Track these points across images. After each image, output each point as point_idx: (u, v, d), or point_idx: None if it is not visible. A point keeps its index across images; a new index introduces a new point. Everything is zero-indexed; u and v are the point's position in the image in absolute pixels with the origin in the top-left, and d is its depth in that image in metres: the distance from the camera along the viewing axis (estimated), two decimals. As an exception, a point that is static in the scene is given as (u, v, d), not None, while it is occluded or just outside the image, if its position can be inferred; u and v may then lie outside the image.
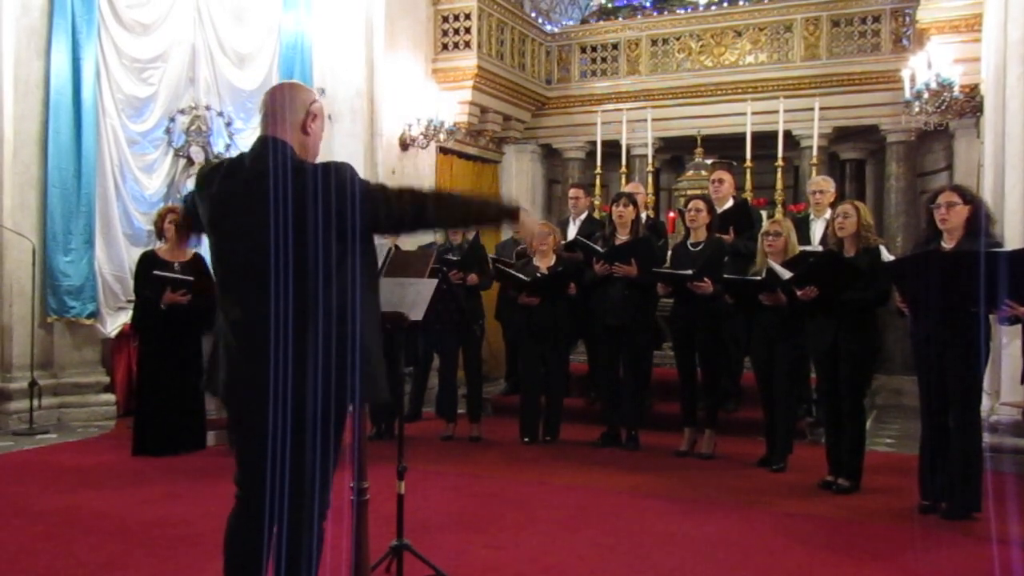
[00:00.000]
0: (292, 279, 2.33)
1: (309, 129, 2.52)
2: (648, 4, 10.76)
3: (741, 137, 7.98)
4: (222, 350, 2.46)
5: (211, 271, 2.72)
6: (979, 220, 4.23)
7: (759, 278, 5.25)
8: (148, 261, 5.76)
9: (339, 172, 2.39)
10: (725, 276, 5.51)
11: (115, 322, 7.07)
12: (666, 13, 10.05)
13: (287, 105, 2.49)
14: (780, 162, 7.89)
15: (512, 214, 2.63)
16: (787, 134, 8.10)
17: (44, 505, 4.50)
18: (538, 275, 6.17)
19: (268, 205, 2.33)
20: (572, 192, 7.49)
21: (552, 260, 6.27)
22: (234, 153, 7.70)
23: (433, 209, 2.54)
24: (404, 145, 8.25)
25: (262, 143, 2.49)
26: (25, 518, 4.28)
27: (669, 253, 6.15)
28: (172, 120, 7.42)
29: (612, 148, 8.91)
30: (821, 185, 6.62)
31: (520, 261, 6.58)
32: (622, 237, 6.01)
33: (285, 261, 2.33)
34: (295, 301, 2.33)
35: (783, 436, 5.48)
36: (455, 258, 6.24)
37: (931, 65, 6.58)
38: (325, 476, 2.47)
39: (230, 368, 2.43)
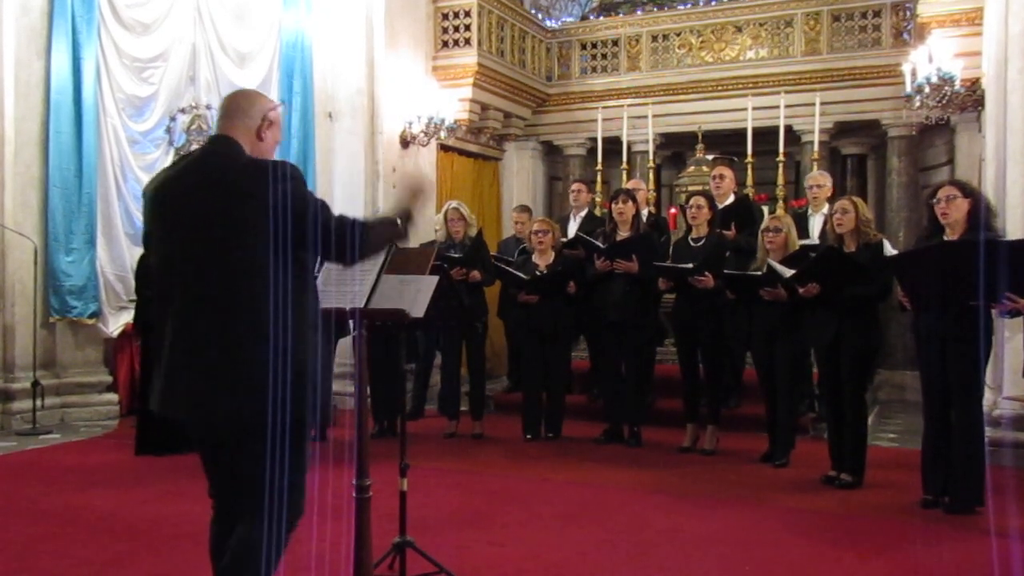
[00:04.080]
0: (235, 280, 2.31)
1: (263, 135, 2.53)
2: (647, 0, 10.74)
3: (742, 133, 7.98)
4: (166, 360, 2.37)
5: None
6: (980, 214, 4.23)
7: (759, 274, 5.25)
8: (148, 261, 5.77)
9: (284, 170, 2.36)
10: (725, 272, 5.51)
11: (117, 322, 7.08)
12: (666, 9, 10.03)
13: (245, 109, 2.52)
14: (781, 157, 7.88)
15: (404, 218, 2.67)
16: (788, 129, 8.09)
17: (47, 505, 4.51)
18: (537, 273, 6.18)
19: (215, 201, 2.33)
20: (575, 186, 7.53)
21: (551, 257, 6.27)
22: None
23: (366, 233, 2.49)
24: (405, 143, 8.25)
25: (217, 141, 2.51)
26: (28, 518, 4.29)
27: (670, 249, 6.15)
28: (173, 119, 7.42)
29: (613, 145, 8.90)
30: (818, 180, 6.64)
31: (520, 258, 6.58)
32: (623, 233, 6.01)
33: (227, 261, 2.31)
34: (237, 304, 2.30)
35: (784, 431, 5.48)
36: (457, 255, 6.23)
37: (932, 59, 6.56)
38: (284, 483, 2.36)
39: (173, 379, 2.36)
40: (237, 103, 2.55)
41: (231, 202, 2.33)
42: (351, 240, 2.44)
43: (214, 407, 2.29)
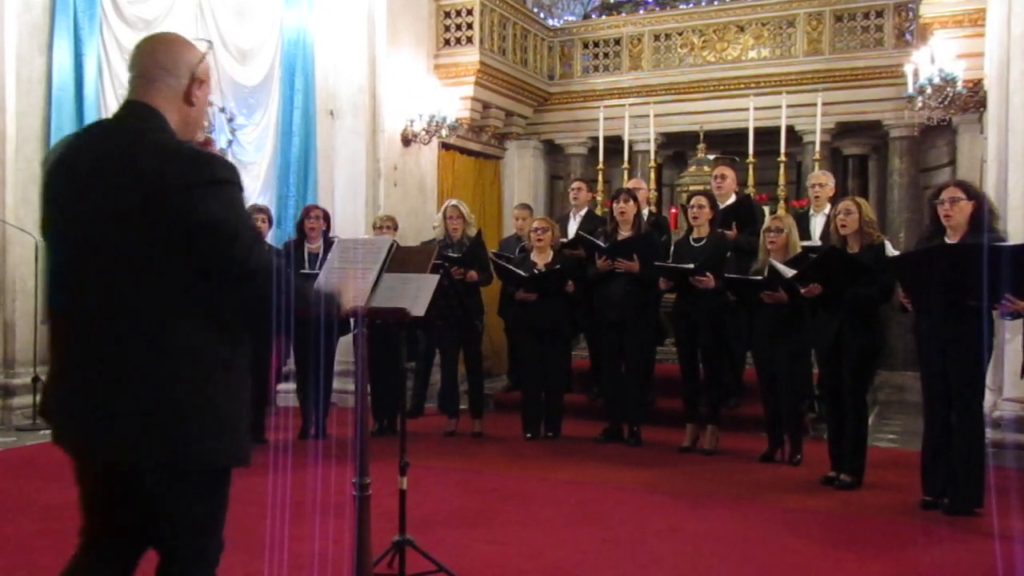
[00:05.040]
0: (146, 302, 1.85)
1: (194, 97, 2.00)
2: (650, 0, 10.74)
3: (743, 132, 7.97)
4: (67, 382, 1.95)
5: None
6: (983, 216, 4.22)
7: (761, 278, 5.25)
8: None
9: (225, 172, 1.90)
10: (727, 276, 5.51)
11: (117, 318, 7.08)
12: (668, 8, 10.04)
13: (168, 66, 1.96)
14: (783, 158, 7.88)
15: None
16: (790, 129, 8.09)
17: (48, 500, 4.50)
18: (535, 271, 6.18)
19: (128, 196, 1.82)
20: (575, 185, 7.52)
21: (549, 256, 6.27)
22: (237, 150, 7.74)
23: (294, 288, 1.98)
24: (406, 141, 8.24)
25: (131, 111, 1.96)
26: (29, 513, 4.29)
27: (672, 249, 6.15)
28: (174, 116, 7.42)
29: (614, 144, 8.90)
30: (820, 179, 6.63)
31: (518, 257, 6.58)
32: (624, 233, 6.01)
33: (137, 278, 1.84)
34: (148, 332, 1.84)
35: (792, 430, 5.52)
36: (455, 255, 6.23)
37: (934, 60, 6.56)
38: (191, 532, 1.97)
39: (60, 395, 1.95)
40: (156, 59, 1.96)
41: (151, 200, 1.82)
42: (283, 299, 1.92)
43: (120, 448, 1.86)
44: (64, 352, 1.94)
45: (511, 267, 6.32)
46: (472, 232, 6.51)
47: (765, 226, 5.49)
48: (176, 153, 1.88)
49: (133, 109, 1.95)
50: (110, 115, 2.13)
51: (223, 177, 1.88)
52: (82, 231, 1.88)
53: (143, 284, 1.84)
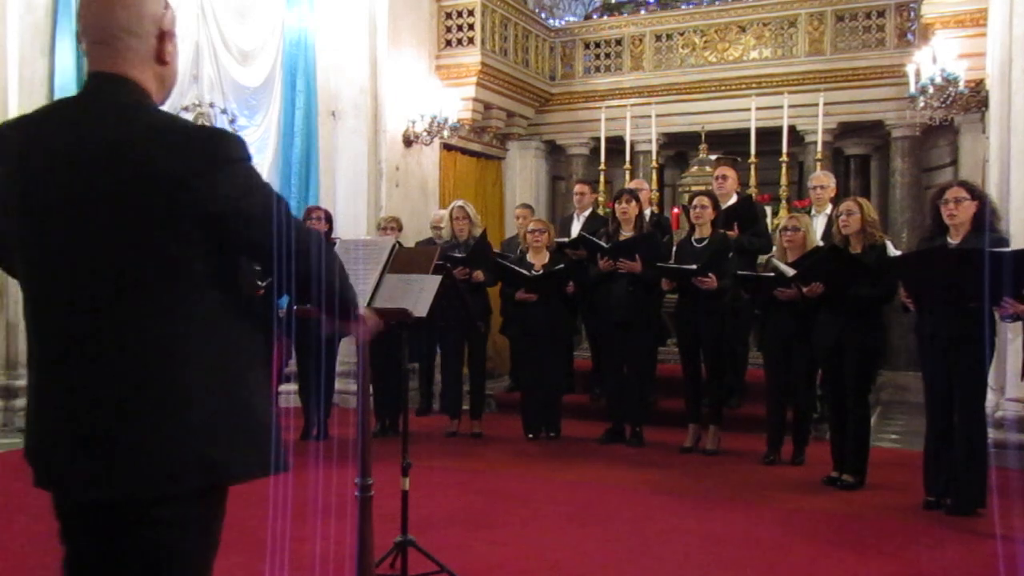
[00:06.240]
0: (145, 312, 1.56)
1: (165, 55, 1.69)
2: (651, 0, 10.74)
3: (745, 133, 7.98)
4: (33, 395, 1.69)
5: None
6: (985, 216, 4.23)
7: (771, 274, 5.25)
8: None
9: (229, 146, 1.61)
10: (738, 273, 5.51)
11: (120, 319, 7.07)
12: (670, 8, 10.04)
13: (129, 25, 1.62)
14: (784, 158, 7.88)
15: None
16: (791, 129, 8.09)
17: (50, 502, 4.50)
18: (534, 272, 6.18)
19: (115, 189, 1.53)
20: (578, 187, 7.52)
21: (546, 257, 6.28)
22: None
23: (346, 283, 1.79)
24: (408, 142, 8.25)
25: (103, 87, 1.62)
26: (31, 514, 4.28)
27: (674, 249, 6.15)
28: (176, 117, 7.44)
29: (616, 144, 8.90)
30: (821, 180, 6.63)
31: (515, 257, 6.58)
32: (626, 233, 6.01)
33: (134, 283, 1.56)
34: (147, 348, 1.56)
35: (801, 432, 5.52)
36: (461, 255, 6.24)
37: (936, 60, 6.56)
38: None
39: (43, 422, 1.69)
40: (115, 20, 1.61)
41: (143, 192, 1.53)
42: (335, 278, 1.73)
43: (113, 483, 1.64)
44: (58, 393, 1.62)
45: (515, 267, 6.32)
46: (478, 232, 6.51)
47: (782, 225, 5.50)
48: (177, 133, 1.58)
49: (104, 83, 1.62)
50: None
51: (236, 156, 1.60)
52: (74, 240, 1.56)
53: (164, 298, 1.57)
